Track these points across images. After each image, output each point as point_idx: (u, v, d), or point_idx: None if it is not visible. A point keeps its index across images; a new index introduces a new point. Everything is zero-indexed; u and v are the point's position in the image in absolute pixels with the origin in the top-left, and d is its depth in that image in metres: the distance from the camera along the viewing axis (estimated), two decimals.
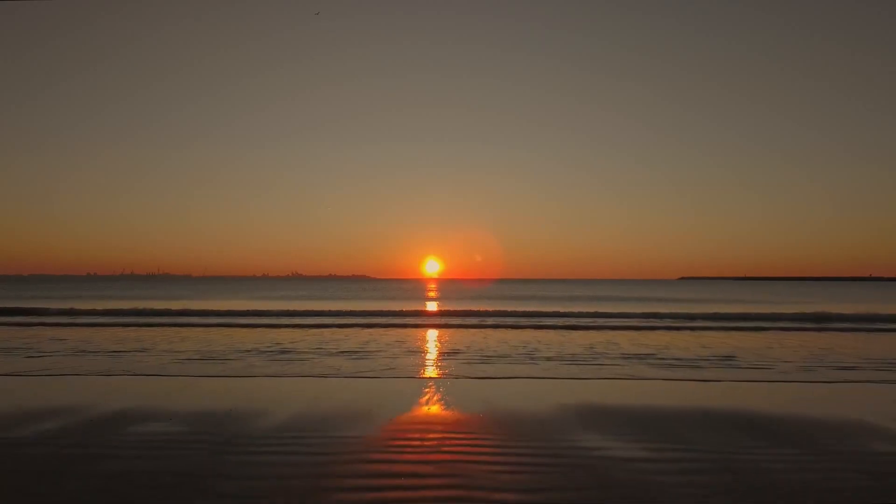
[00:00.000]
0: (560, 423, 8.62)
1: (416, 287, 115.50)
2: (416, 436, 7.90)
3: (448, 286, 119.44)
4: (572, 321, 29.71)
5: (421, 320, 31.02)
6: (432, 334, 23.11)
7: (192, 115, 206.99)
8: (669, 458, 6.96)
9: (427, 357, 16.38)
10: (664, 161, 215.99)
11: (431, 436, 7.90)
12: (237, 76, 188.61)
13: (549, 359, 15.96)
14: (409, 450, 7.22)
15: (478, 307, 39.90)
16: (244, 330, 24.34)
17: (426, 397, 10.64)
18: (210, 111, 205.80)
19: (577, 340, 20.78)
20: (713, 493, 5.80)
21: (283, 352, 17.27)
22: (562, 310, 36.97)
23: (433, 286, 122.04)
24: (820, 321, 29.94)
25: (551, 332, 23.79)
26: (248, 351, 17.40)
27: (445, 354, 16.91)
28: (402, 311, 36.33)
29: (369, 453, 7.04)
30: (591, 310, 37.84)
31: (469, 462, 6.69)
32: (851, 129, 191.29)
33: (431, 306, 43.87)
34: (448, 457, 6.91)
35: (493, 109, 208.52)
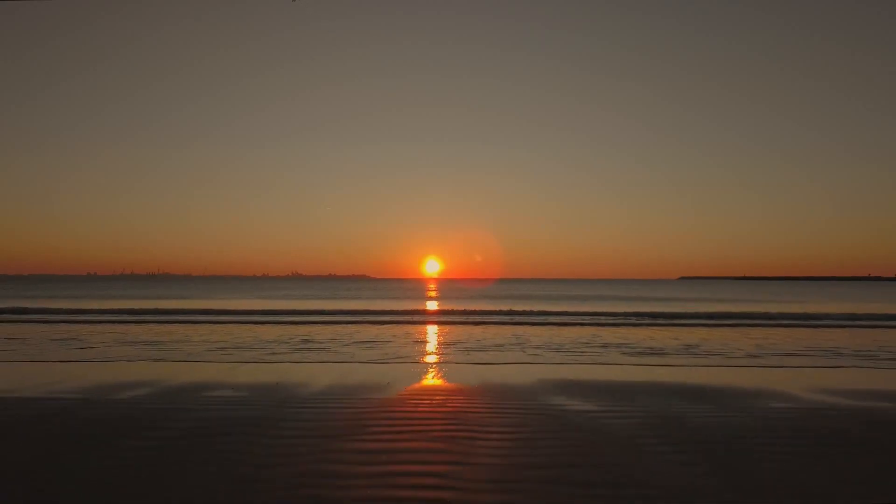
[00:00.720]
0: (537, 390, 11.02)
1: (416, 287, 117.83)
2: (426, 397, 10.31)
3: (448, 286, 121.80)
4: (564, 318, 32.12)
5: (423, 317, 33.42)
6: (434, 329, 25.51)
7: (192, 115, 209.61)
8: (615, 410, 9.34)
9: (430, 346, 18.79)
10: (664, 161, 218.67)
11: (437, 397, 10.31)
12: (237, 76, 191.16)
13: (537, 347, 18.36)
14: (422, 405, 9.62)
15: (476, 306, 42.26)
16: (262, 326, 26.71)
17: (431, 374, 13.05)
18: (210, 111, 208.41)
19: (565, 334, 23.17)
20: (641, 429, 8.18)
21: (304, 342, 19.66)
22: (556, 308, 39.36)
23: (433, 286, 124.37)
24: (795, 319, 32.34)
25: (542, 328, 26.19)
26: (273, 342, 19.78)
27: (446, 344, 19.31)
28: (405, 309, 38.73)
29: (392, 407, 9.44)
30: (585, 309, 40.24)
31: (466, 412, 9.08)
32: (851, 129, 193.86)
33: (432, 305, 46.23)
34: (451, 409, 9.30)
35: (493, 109, 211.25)
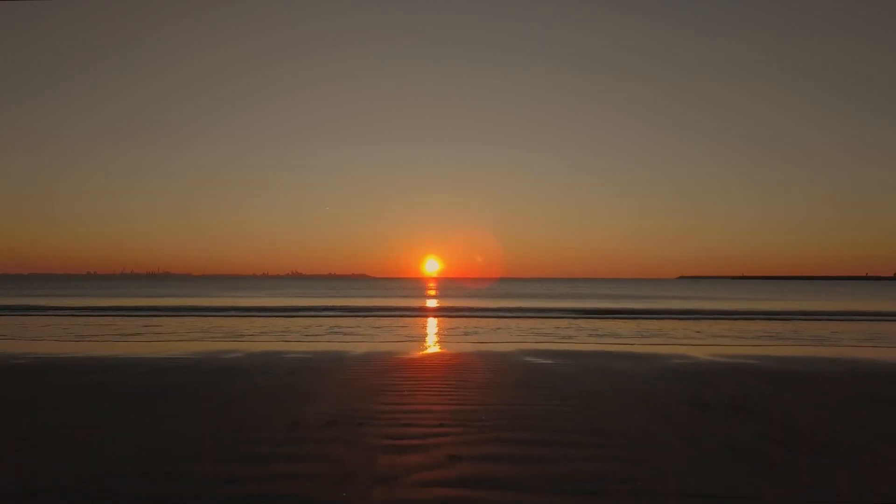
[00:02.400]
0: (515, 353, 15.66)
1: (418, 286, 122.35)
2: (437, 357, 14.95)
3: (449, 285, 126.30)
4: (550, 313, 36.74)
5: (426, 311, 38.04)
6: (437, 320, 30.12)
7: (192, 115, 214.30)
8: (565, 363, 13.97)
9: (435, 330, 23.41)
10: (664, 161, 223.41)
11: (444, 356, 14.96)
12: (237, 76, 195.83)
13: (521, 331, 23.00)
14: (434, 360, 14.26)
15: (474, 303, 46.83)
16: (290, 318, 31.31)
17: (438, 345, 17.68)
18: (210, 111, 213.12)
19: (548, 323, 27.79)
20: (578, 371, 12.78)
21: (332, 328, 24.28)
22: (547, 305, 43.98)
23: (434, 285, 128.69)
24: (751, 314, 36.98)
25: (530, 319, 30.82)
26: (307, 328, 24.37)
27: (448, 329, 23.95)
28: (410, 305, 43.32)
29: (415, 361, 14.09)
30: (571, 305, 44.87)
31: (463, 362, 13.71)
32: (851, 129, 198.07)
33: (434, 301, 50.81)
34: (453, 362, 13.95)
35: (493, 109, 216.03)
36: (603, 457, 6.31)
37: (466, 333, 22.25)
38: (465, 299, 56.67)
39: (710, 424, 7.76)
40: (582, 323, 28.43)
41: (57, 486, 5.30)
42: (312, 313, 35.22)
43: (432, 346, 18.00)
